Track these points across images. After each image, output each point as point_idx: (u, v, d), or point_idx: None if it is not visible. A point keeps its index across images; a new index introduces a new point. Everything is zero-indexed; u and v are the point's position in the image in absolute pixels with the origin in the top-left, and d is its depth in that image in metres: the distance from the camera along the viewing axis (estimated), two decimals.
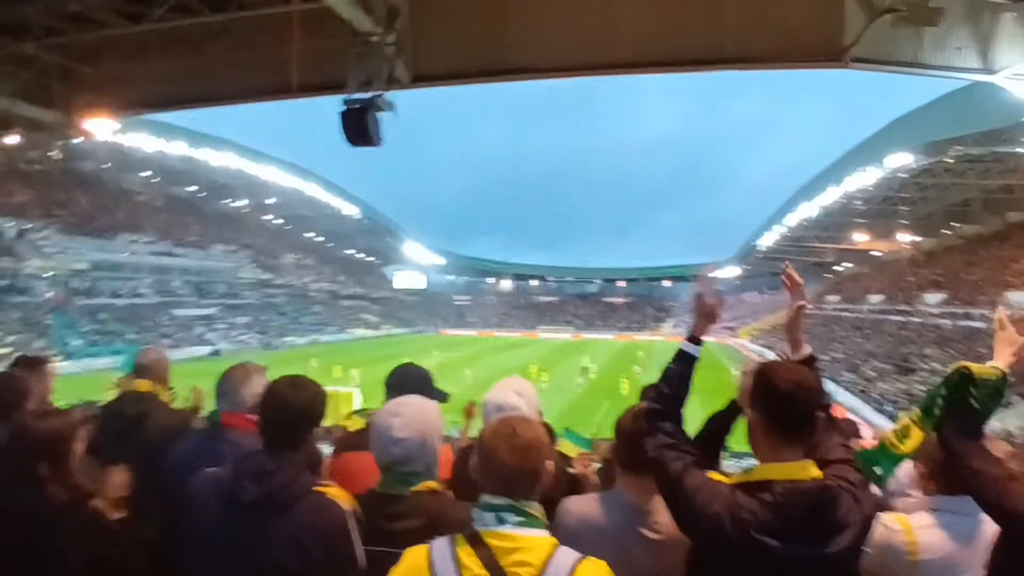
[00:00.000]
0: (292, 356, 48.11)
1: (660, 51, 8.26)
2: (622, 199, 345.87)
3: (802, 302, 2.20)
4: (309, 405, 1.94)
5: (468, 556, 1.45)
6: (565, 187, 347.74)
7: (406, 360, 3.04)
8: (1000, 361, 1.89)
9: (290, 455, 1.86)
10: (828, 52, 7.84)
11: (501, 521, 1.49)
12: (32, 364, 3.41)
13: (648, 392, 2.56)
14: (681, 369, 2.03)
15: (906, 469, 2.52)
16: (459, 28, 8.58)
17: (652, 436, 1.94)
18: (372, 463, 2.25)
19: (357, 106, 8.02)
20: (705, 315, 2.10)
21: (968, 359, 2.00)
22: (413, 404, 1.99)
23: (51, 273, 47.72)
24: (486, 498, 1.54)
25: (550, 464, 1.59)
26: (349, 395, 22.90)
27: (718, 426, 2.24)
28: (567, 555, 1.45)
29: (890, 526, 2.01)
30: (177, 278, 61.80)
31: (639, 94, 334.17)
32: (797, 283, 2.21)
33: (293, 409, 1.90)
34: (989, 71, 8.28)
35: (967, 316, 35.44)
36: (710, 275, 2.14)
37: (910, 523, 2.00)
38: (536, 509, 1.54)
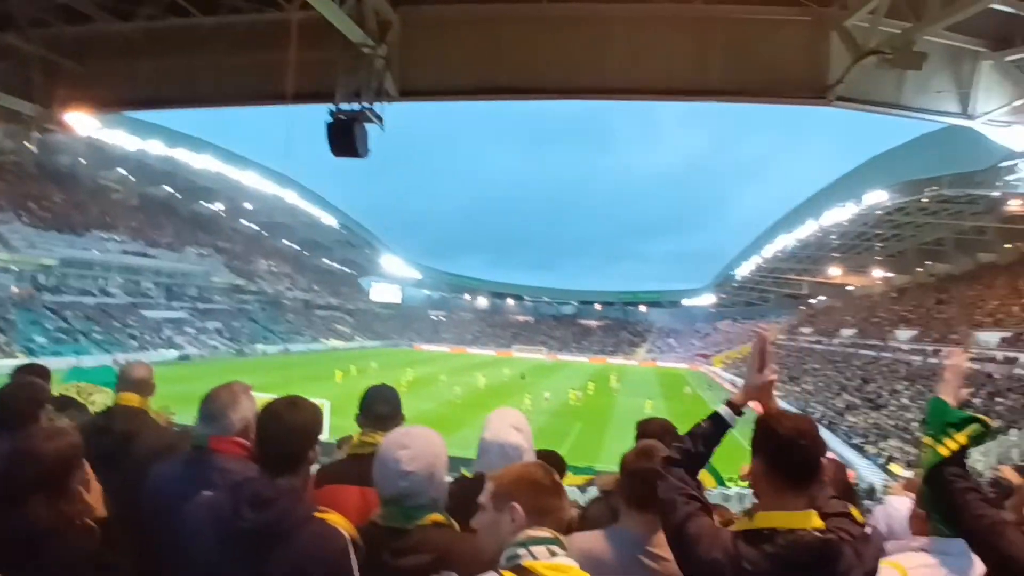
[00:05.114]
0: (266, 364, 47.31)
1: (648, 79, 8.34)
2: (615, 226, 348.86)
3: (774, 376, 2.05)
4: (309, 425, 1.88)
5: None
6: (561, 211, 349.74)
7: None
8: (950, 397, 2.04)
9: (290, 480, 1.78)
10: (813, 89, 7.98)
11: (553, 554, 1.52)
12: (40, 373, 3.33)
13: (650, 427, 2.55)
14: (711, 431, 1.98)
15: (901, 512, 2.51)
16: (450, 45, 8.59)
17: (665, 480, 1.92)
18: (357, 498, 2.17)
19: (344, 117, 7.98)
20: (761, 389, 2.01)
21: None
22: (421, 436, 1.91)
23: (17, 267, 46.69)
24: (532, 532, 1.55)
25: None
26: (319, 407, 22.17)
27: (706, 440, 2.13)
28: None
29: (884, 571, 1.96)
30: (148, 279, 60.70)
31: (655, 126, 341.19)
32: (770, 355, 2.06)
33: (293, 431, 1.82)
34: (967, 116, 8.48)
35: (936, 353, 35.94)
36: (770, 339, 1.98)
37: (903, 565, 1.99)
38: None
